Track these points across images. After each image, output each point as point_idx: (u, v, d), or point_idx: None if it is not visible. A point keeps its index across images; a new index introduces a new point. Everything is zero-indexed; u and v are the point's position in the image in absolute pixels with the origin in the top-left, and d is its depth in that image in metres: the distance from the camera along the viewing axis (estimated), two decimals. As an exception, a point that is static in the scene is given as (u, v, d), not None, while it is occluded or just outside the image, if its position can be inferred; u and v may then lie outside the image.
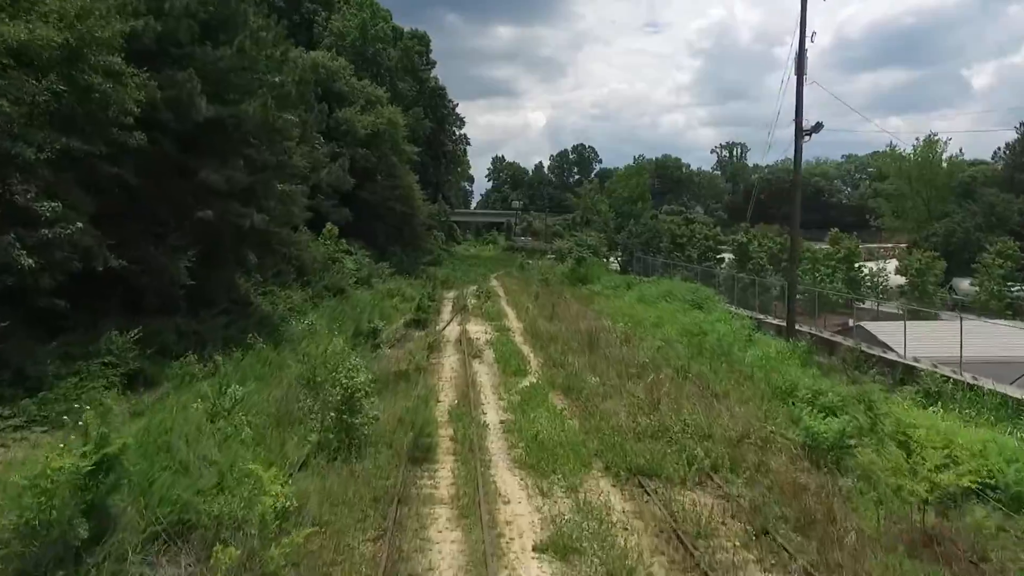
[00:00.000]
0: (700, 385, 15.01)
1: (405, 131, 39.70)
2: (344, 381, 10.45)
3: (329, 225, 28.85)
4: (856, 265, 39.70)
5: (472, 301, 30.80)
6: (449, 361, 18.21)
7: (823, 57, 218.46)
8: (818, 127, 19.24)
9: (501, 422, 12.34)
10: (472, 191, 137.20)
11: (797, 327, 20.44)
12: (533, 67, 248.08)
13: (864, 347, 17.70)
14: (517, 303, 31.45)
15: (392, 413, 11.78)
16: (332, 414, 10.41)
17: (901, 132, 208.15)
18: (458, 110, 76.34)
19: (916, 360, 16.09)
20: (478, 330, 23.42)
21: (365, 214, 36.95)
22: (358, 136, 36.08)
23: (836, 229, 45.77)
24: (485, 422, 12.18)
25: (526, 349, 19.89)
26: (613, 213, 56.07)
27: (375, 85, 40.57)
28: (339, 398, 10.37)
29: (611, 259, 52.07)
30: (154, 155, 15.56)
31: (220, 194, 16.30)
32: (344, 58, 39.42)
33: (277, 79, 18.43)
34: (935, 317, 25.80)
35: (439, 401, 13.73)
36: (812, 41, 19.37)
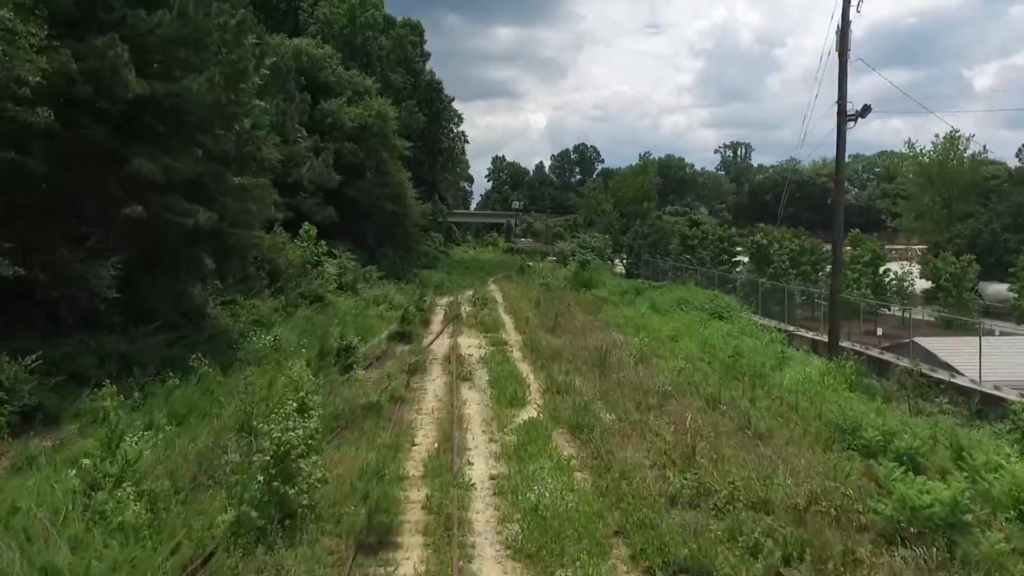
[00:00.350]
0: (737, 420, 12.25)
1: (396, 125, 36.97)
2: (277, 435, 7.71)
3: (307, 225, 26.14)
4: (881, 269, 36.95)
5: (467, 309, 28.04)
6: (434, 386, 15.45)
7: (825, 59, 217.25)
8: (866, 111, 16.46)
9: (492, 478, 9.58)
10: (472, 192, 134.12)
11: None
12: (534, 68, 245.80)
13: (925, 369, 14.94)
14: (516, 311, 28.71)
15: (349, 468, 9.04)
16: (260, 478, 7.67)
17: (902, 133, 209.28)
18: (455, 106, 74.18)
19: (997, 388, 13.32)
20: (471, 344, 20.67)
21: (352, 213, 34.24)
22: (345, 129, 33.37)
23: (857, 230, 42.96)
24: (470, 479, 9.41)
25: (525, 369, 17.14)
26: (618, 213, 53.31)
27: (364, 76, 37.83)
28: (269, 458, 7.63)
29: (616, 262, 49.31)
30: (74, 139, 12.87)
31: (157, 187, 13.56)
32: (331, 46, 36.70)
33: (234, 55, 15.69)
34: (982, 330, 22.80)
35: (414, 445, 10.96)
36: (859, 11, 16.60)
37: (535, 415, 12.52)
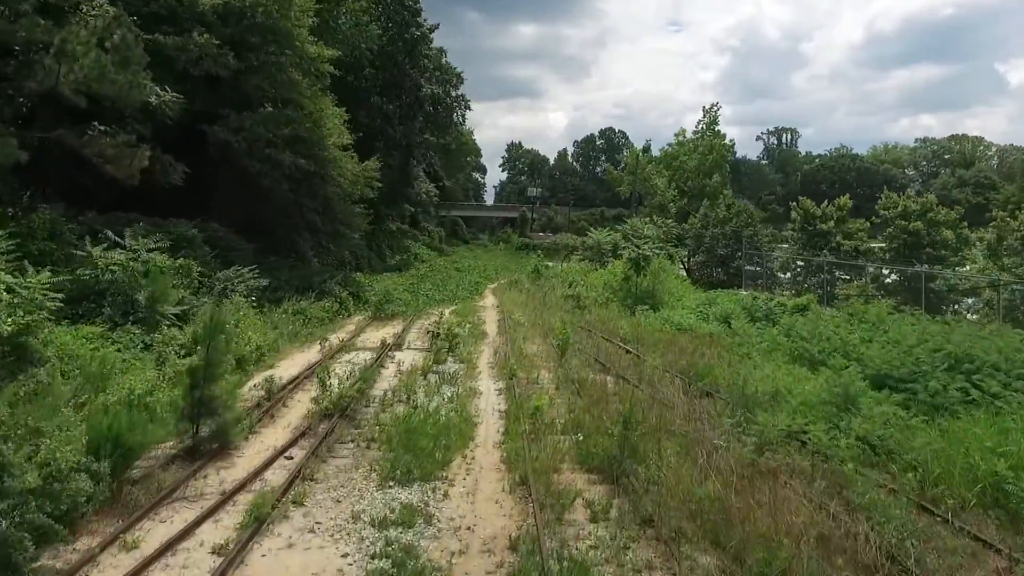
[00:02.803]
0: None
1: (312, 21, 21.10)
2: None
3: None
4: None
5: (395, 370, 12.10)
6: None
7: (854, 53, 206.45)
8: None
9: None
10: (484, 183, 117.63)
11: None
12: (556, 67, 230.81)
13: None
14: (523, 357, 12.90)
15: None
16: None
17: (933, 130, 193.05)
18: (465, 100, 57.24)
19: None
20: None
21: (217, 171, 18.56)
22: (198, 10, 17.65)
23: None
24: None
25: None
26: (675, 192, 36.86)
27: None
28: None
29: (675, 260, 32.85)
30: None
31: None
32: None
33: None
34: None
35: None
36: None
37: None
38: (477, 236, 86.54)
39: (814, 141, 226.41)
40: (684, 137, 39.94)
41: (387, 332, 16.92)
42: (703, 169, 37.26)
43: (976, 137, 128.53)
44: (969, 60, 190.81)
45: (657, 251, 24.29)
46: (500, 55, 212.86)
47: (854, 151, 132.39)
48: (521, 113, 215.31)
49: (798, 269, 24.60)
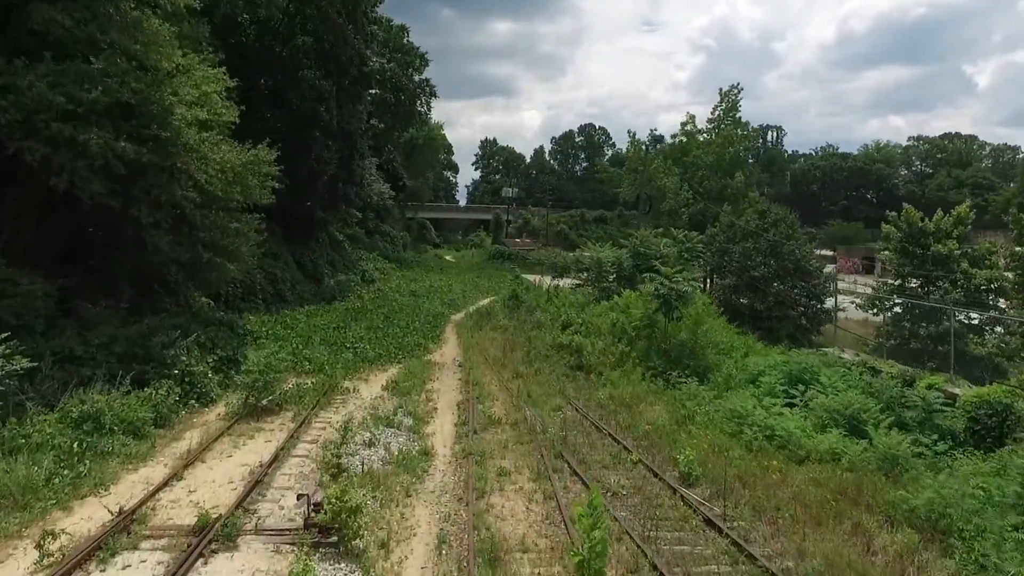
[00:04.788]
0: None
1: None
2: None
3: None
4: None
5: None
6: None
7: (826, 53, 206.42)
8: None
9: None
10: (457, 183, 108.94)
11: None
12: (532, 65, 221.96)
13: None
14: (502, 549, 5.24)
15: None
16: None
17: (902, 131, 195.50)
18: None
19: None
20: None
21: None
22: None
23: None
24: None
25: None
26: (689, 193, 29.42)
27: None
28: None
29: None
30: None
31: None
32: None
33: None
34: None
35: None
36: None
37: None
38: (448, 239, 79.37)
39: (788, 141, 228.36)
40: (693, 126, 32.51)
41: (242, 465, 9.00)
42: (722, 166, 29.85)
43: (970, 136, 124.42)
44: (937, 62, 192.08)
45: (696, 284, 16.72)
46: (475, 52, 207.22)
47: (841, 150, 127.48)
48: (496, 112, 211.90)
49: (895, 313, 17.00)
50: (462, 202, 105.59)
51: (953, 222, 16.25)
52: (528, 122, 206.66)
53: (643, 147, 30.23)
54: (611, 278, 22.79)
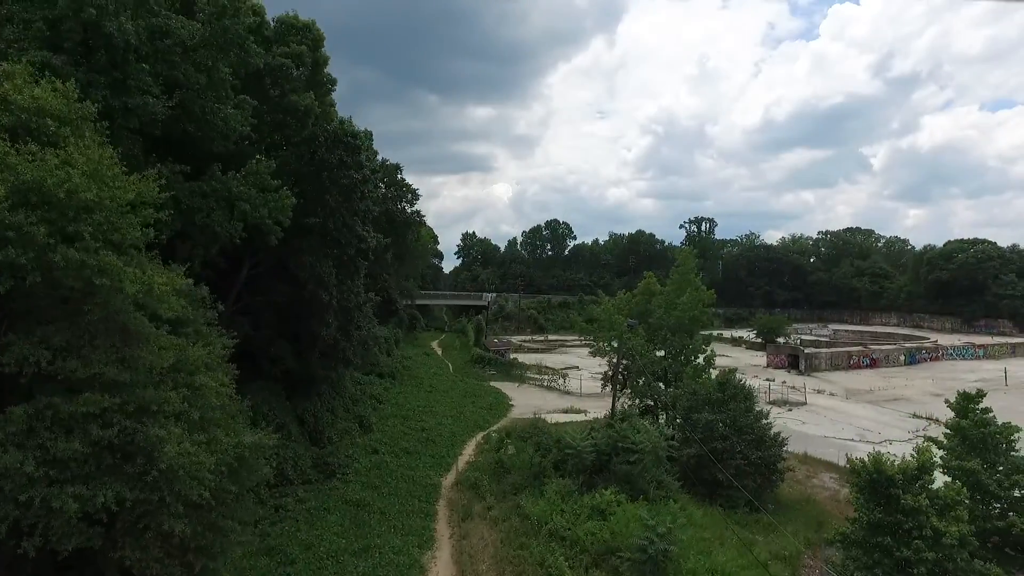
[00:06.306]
0: None
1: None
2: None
3: None
4: None
5: None
6: None
7: (751, 137, 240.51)
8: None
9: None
10: (442, 267, 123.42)
11: None
12: (506, 144, 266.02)
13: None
14: None
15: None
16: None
17: (810, 204, 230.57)
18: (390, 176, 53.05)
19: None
20: None
21: None
22: None
23: None
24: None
25: None
26: (658, 351, 32.54)
27: None
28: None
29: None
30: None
31: None
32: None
33: None
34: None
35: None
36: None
37: None
38: (432, 323, 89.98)
39: (712, 210, 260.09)
40: (653, 282, 35.86)
41: None
42: (683, 327, 33.13)
43: (867, 230, 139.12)
44: (841, 145, 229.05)
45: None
46: (456, 134, 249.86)
47: (761, 239, 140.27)
48: (474, 185, 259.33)
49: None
50: (448, 267, 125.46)
51: (917, 468, 17.29)
52: (500, 193, 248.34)
53: (611, 306, 32.91)
54: (589, 460, 24.67)
